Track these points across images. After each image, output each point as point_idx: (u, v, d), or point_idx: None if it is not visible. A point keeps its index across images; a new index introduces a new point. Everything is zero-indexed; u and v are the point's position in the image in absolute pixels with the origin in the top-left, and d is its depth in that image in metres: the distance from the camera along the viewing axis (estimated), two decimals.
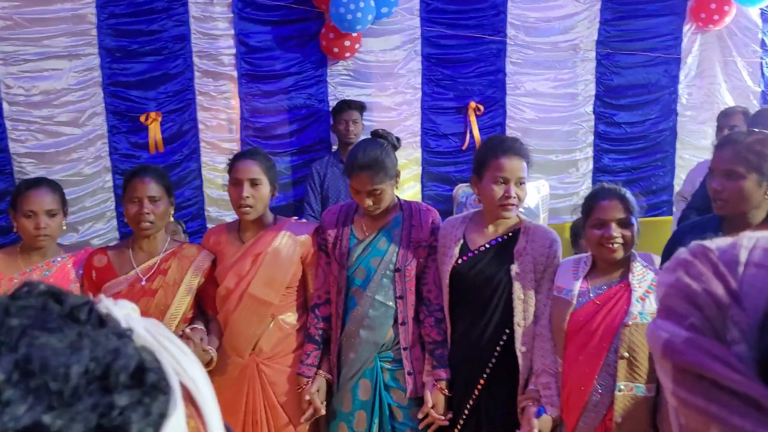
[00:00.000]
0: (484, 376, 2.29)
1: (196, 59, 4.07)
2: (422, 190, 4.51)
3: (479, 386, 2.30)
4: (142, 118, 4.00)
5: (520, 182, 2.24)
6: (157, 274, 2.45)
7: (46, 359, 0.42)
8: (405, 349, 2.39)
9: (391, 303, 2.39)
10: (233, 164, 2.48)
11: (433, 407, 2.33)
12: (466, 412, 2.32)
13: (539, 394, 2.20)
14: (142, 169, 2.48)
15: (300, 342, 2.51)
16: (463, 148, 4.49)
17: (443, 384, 2.33)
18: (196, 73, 4.09)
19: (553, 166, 4.66)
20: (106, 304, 0.51)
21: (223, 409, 2.23)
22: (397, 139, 2.49)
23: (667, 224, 4.18)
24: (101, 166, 4.03)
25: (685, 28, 4.73)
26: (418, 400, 2.39)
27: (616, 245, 2.08)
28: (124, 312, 0.52)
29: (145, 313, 2.40)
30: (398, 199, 2.51)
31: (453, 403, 2.36)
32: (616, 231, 2.07)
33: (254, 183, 2.41)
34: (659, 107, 4.79)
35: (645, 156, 4.81)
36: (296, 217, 2.68)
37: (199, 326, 2.44)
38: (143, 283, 2.43)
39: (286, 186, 4.27)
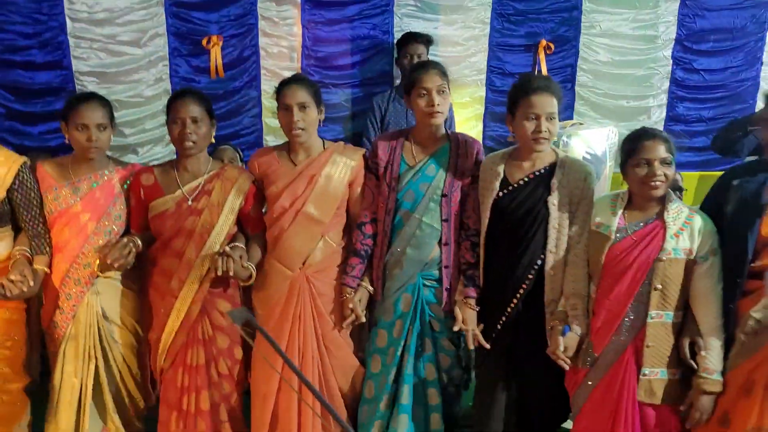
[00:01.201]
0: (518, 295, 2.49)
1: None
2: (484, 131, 4.35)
3: (512, 304, 2.50)
4: (204, 42, 3.91)
5: (550, 117, 2.39)
6: (203, 195, 2.59)
7: None
8: (446, 267, 2.61)
9: (437, 225, 2.59)
10: (281, 90, 2.60)
11: (463, 322, 2.53)
12: (499, 327, 2.53)
13: (566, 315, 2.40)
14: (183, 92, 2.62)
15: (344, 258, 2.71)
16: None
17: (472, 302, 2.55)
18: None
19: (624, 112, 4.42)
20: None
21: (270, 320, 2.23)
22: None
23: None
24: (161, 89, 3.99)
25: None
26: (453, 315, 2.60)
27: (658, 182, 2.24)
28: None
29: (192, 232, 2.44)
30: (446, 129, 2.70)
31: (488, 318, 2.56)
32: (659, 170, 2.23)
33: (303, 107, 2.55)
34: (743, 55, 4.46)
35: (722, 107, 4.52)
36: (343, 142, 2.80)
37: (240, 244, 2.59)
38: (190, 203, 2.58)
39: (345, 119, 4.18)
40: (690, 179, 4.19)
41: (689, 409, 2.26)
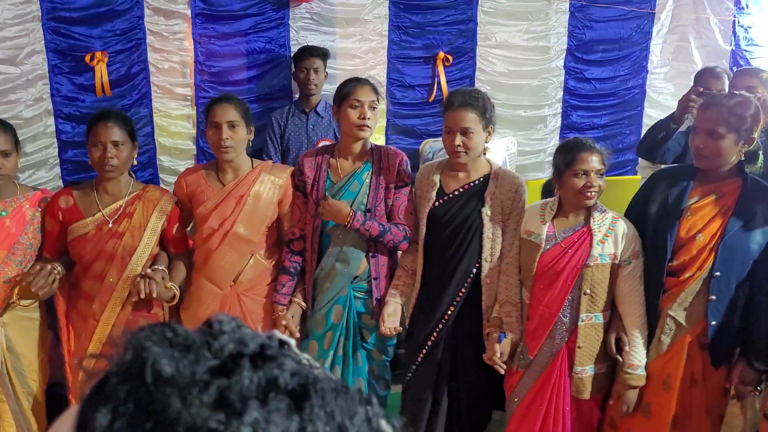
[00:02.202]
0: (455, 303, 2.59)
1: None
2: (386, 143, 4.32)
3: (449, 312, 2.59)
4: (87, 58, 3.69)
5: (466, 132, 2.47)
6: (123, 217, 2.58)
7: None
8: (375, 278, 2.69)
9: (363, 239, 2.66)
10: (210, 108, 2.63)
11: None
12: (435, 335, 2.62)
13: (501, 321, 2.51)
14: (105, 114, 2.57)
15: (274, 275, 2.76)
16: (430, 100, 4.31)
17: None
18: (146, 11, 3.77)
19: (521, 122, 4.53)
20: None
21: None
22: None
23: (632, 183, 4.12)
24: (42, 109, 3.72)
25: None
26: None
27: (594, 193, 2.36)
28: None
29: (113, 255, 2.33)
30: (370, 144, 2.74)
31: (426, 326, 2.64)
32: (596, 181, 2.34)
33: (232, 125, 2.58)
34: (630, 64, 4.67)
35: (613, 113, 4.71)
36: (272, 161, 2.84)
37: (160, 267, 2.59)
38: (110, 225, 2.56)
39: None
40: None
41: (617, 401, 2.44)
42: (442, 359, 2.64)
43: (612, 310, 2.45)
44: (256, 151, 3.94)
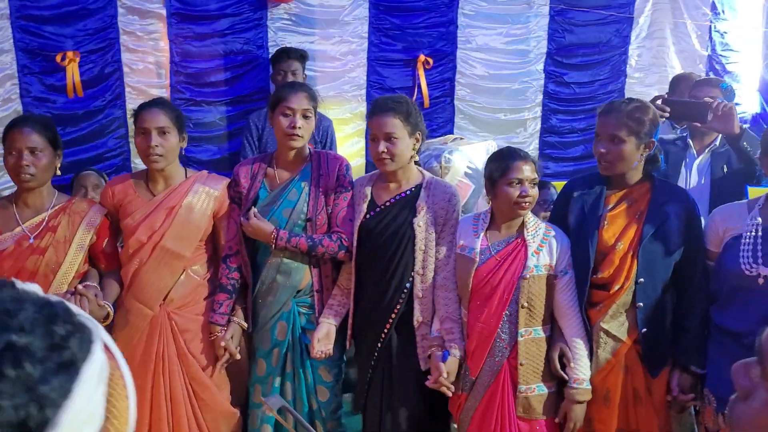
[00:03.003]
0: (390, 320, 2.45)
1: None
2: (366, 146, 4.28)
3: (386, 330, 2.45)
4: (58, 58, 3.59)
5: (389, 137, 2.37)
6: (46, 231, 2.37)
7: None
8: (318, 291, 2.55)
9: None
10: (138, 114, 2.46)
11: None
12: (376, 354, 2.48)
13: (443, 340, 2.39)
14: (22, 119, 2.40)
15: (210, 291, 2.57)
16: None
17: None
18: (120, 10, 3.69)
19: (501, 125, 4.51)
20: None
21: (133, 361, 2.02)
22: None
23: None
24: (11, 110, 3.61)
25: None
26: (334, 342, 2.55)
27: (528, 203, 2.28)
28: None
29: (35, 272, 2.13)
30: (309, 149, 2.62)
31: (365, 345, 2.53)
32: (531, 190, 2.26)
33: (162, 131, 2.41)
34: (609, 68, 4.68)
35: (592, 117, 4.60)
36: (207, 171, 2.68)
37: (93, 283, 2.39)
38: (31, 240, 2.35)
39: (221, 138, 3.98)
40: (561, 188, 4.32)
41: (563, 419, 2.32)
42: (382, 382, 2.48)
43: (552, 324, 2.35)
44: (233, 154, 3.88)
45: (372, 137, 2.43)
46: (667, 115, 2.56)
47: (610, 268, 2.27)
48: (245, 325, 2.54)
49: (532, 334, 2.29)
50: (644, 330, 2.25)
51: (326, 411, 2.60)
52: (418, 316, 2.43)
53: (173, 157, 2.48)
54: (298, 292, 2.54)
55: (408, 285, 2.44)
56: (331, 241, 2.48)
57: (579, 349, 2.28)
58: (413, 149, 2.45)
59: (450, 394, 2.35)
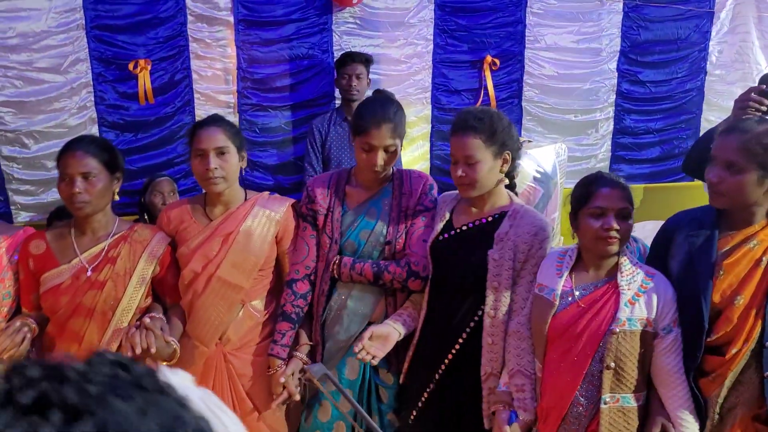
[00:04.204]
0: (448, 359, 2.16)
1: (188, 2, 3.72)
2: (431, 150, 4.22)
3: (441, 369, 2.16)
4: (131, 66, 3.68)
5: (468, 161, 2.07)
6: (105, 263, 2.16)
7: (119, 424, 0.48)
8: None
9: None
10: (194, 133, 2.24)
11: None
12: (426, 395, 2.19)
13: (511, 397, 2.04)
14: (75, 141, 2.16)
15: (269, 330, 2.33)
16: (477, 105, 4.16)
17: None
18: (189, 18, 3.74)
19: (571, 127, 4.37)
20: (165, 372, 0.58)
21: None
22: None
23: (691, 190, 3.90)
24: (87, 117, 3.72)
25: None
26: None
27: (614, 237, 1.89)
28: (181, 380, 0.59)
29: (92, 309, 1.97)
30: (392, 168, 2.34)
31: (415, 382, 2.24)
32: (615, 222, 1.89)
33: (221, 152, 2.21)
34: (687, 65, 4.46)
35: (669, 117, 4.51)
36: (269, 192, 2.46)
37: (158, 315, 2.17)
38: (89, 273, 2.15)
39: (285, 143, 3.99)
40: (636, 191, 4.14)
41: None
42: (429, 428, 2.21)
43: (648, 391, 1.95)
44: (298, 158, 3.89)
45: (452, 159, 2.14)
46: (765, 109, 2.07)
47: (726, 326, 1.86)
48: (307, 360, 2.27)
49: (619, 402, 1.91)
50: None
51: None
52: (485, 365, 2.10)
53: (234, 179, 2.27)
54: (371, 323, 2.26)
55: (472, 325, 2.14)
56: (398, 266, 2.21)
57: (688, 424, 1.88)
58: (501, 171, 2.13)
59: None
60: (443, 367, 2.17)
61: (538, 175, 3.83)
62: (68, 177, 2.10)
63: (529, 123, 4.30)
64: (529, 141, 3.96)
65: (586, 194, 1.94)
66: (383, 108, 2.20)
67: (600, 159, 4.48)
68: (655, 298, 1.91)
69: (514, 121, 4.27)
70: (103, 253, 2.18)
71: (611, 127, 4.46)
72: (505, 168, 2.15)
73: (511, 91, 4.24)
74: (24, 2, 3.51)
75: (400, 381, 2.31)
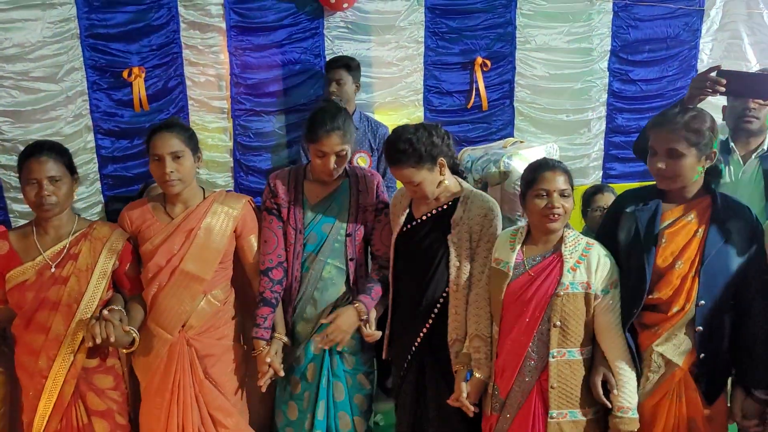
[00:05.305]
0: (421, 334, 2.43)
1: (181, 9, 3.78)
2: None
3: (415, 345, 2.44)
4: (125, 74, 3.74)
5: (412, 185, 2.35)
6: (68, 260, 2.30)
7: None
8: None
9: (342, 265, 2.53)
10: (150, 139, 2.37)
11: (337, 318, 2.45)
12: (404, 369, 2.49)
13: (470, 358, 2.32)
14: (37, 147, 2.29)
15: (230, 316, 2.53)
16: (468, 106, 4.21)
17: (359, 305, 2.46)
18: (182, 25, 3.80)
19: (564, 127, 4.39)
20: None
21: (150, 388, 1.89)
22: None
23: None
24: (82, 125, 3.79)
25: None
26: (368, 346, 2.58)
27: (557, 215, 2.17)
28: None
29: (58, 303, 2.07)
30: (345, 165, 2.56)
31: (396, 357, 2.54)
32: (557, 201, 2.16)
33: (176, 156, 2.34)
34: (678, 63, 4.47)
35: None
36: (225, 190, 2.62)
37: (117, 307, 2.32)
38: (53, 270, 2.28)
39: (280, 147, 4.04)
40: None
41: None
42: (412, 394, 2.49)
43: (593, 346, 2.21)
44: (292, 162, 3.93)
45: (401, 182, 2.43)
46: (722, 89, 2.21)
47: (668, 288, 2.12)
48: (287, 340, 2.52)
49: (565, 356, 2.16)
50: (702, 355, 2.11)
51: (361, 416, 2.60)
52: (451, 333, 2.38)
53: (190, 180, 2.41)
54: (335, 306, 2.52)
55: (441, 301, 2.41)
56: (375, 284, 2.52)
57: (624, 374, 2.14)
58: (441, 174, 2.38)
59: (471, 414, 2.29)
60: (417, 342, 2.44)
61: None
62: (36, 181, 2.23)
63: (522, 123, 4.33)
64: (521, 141, 3.99)
65: (532, 179, 2.21)
66: (332, 118, 2.40)
67: (593, 158, 4.50)
68: (593, 264, 2.17)
69: (506, 122, 4.32)
70: (66, 251, 2.31)
71: (604, 126, 4.48)
72: (445, 170, 2.40)
73: (503, 92, 4.27)
74: (19, 13, 3.58)
75: (383, 357, 2.60)
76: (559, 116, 4.38)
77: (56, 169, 2.25)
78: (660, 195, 2.20)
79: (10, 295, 2.31)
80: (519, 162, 3.72)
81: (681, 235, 2.14)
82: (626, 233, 2.21)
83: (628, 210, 2.22)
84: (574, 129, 4.42)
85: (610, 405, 2.15)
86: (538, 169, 2.22)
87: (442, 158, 2.37)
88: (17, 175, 3.64)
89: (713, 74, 2.20)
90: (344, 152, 2.42)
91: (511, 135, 4.23)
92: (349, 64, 3.67)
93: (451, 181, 2.45)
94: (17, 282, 2.28)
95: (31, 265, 2.28)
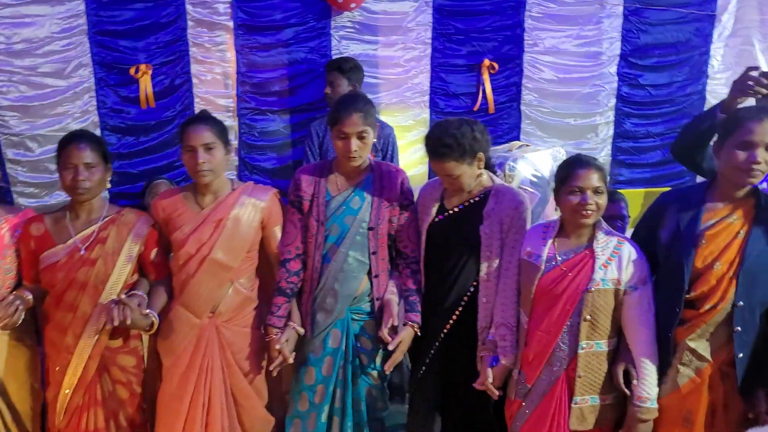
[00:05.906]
0: (450, 322, 2.53)
1: (188, 7, 3.79)
2: None
3: (444, 332, 2.54)
4: (132, 71, 3.75)
5: (452, 178, 2.45)
6: (96, 243, 2.45)
7: None
8: (377, 299, 2.59)
9: (364, 258, 2.57)
10: (184, 131, 2.49)
11: (401, 342, 2.51)
12: (432, 352, 2.56)
13: (496, 345, 2.42)
14: (77, 135, 2.48)
15: (256, 305, 2.63)
16: (475, 108, 4.19)
17: (415, 326, 2.54)
18: (189, 23, 3.81)
19: (571, 131, 4.37)
20: None
21: (176, 369, 1.91)
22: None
23: None
24: (89, 121, 3.81)
25: None
26: (384, 346, 2.55)
27: (590, 211, 2.23)
28: None
29: (85, 284, 2.16)
30: (369, 160, 2.63)
31: (420, 347, 2.58)
32: (591, 198, 2.22)
33: (208, 148, 2.45)
34: (688, 69, 4.44)
35: (670, 121, 4.48)
36: (253, 182, 2.72)
37: (139, 292, 2.47)
38: (82, 252, 2.43)
39: (284, 146, 4.04)
40: (636, 196, 4.14)
41: None
42: (435, 383, 2.58)
43: (619, 337, 2.30)
44: (297, 162, 3.93)
45: (438, 175, 2.51)
46: (765, 91, 2.17)
47: (704, 287, 2.16)
48: (302, 331, 2.57)
49: (593, 348, 2.26)
50: (741, 355, 2.13)
51: (373, 412, 2.64)
52: (481, 321, 2.47)
53: (221, 171, 2.53)
54: (354, 299, 2.57)
55: (471, 290, 2.50)
56: (415, 295, 2.58)
57: (647, 368, 2.21)
58: (479, 168, 2.49)
59: (495, 397, 2.42)
60: (446, 329, 2.54)
61: (535, 179, 3.82)
62: (72, 166, 2.39)
63: (528, 127, 4.31)
64: (527, 145, 3.96)
65: (566, 175, 2.26)
66: (353, 100, 2.51)
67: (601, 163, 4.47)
68: (624, 261, 2.24)
69: (513, 125, 4.30)
70: (95, 234, 2.46)
71: (611, 131, 4.45)
72: (482, 164, 2.48)
73: (510, 95, 4.25)
74: (28, 9, 3.60)
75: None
76: (567, 120, 4.35)
77: (92, 157, 2.41)
78: (703, 196, 2.22)
79: (42, 275, 2.46)
80: (524, 165, 3.71)
81: (721, 237, 2.16)
82: (668, 232, 2.24)
83: (671, 209, 2.26)
84: (581, 133, 4.40)
85: (629, 393, 2.23)
86: (572, 166, 2.27)
87: (481, 153, 2.45)
88: (24, 169, 3.78)
89: (754, 73, 2.18)
90: (365, 134, 2.46)
91: (518, 138, 4.21)
92: (342, 66, 3.66)
93: (485, 175, 2.56)
94: (50, 262, 2.43)
95: (63, 246, 2.43)
